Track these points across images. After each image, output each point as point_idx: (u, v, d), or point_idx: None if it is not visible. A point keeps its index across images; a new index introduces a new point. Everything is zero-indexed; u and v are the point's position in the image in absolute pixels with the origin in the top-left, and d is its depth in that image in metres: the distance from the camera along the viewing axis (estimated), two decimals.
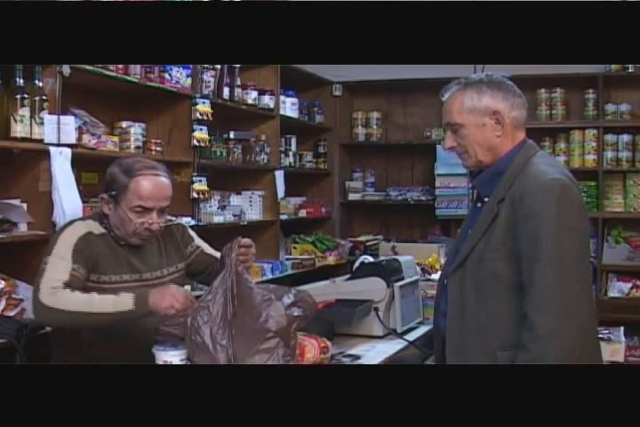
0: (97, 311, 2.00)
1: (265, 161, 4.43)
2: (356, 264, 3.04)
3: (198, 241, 2.52)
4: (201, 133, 3.56)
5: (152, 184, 2.18)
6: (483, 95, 1.94)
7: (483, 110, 1.94)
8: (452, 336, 1.95)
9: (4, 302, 2.44)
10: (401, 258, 3.05)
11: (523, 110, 1.98)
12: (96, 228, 2.23)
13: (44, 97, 2.59)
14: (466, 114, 1.95)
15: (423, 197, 5.46)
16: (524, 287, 1.81)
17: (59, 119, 2.63)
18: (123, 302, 2.02)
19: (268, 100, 4.41)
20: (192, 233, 2.52)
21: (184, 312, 2.01)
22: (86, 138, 2.88)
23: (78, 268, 2.11)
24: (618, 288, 4.94)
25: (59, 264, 2.09)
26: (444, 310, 2.00)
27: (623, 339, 3.17)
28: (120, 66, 3.00)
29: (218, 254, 2.46)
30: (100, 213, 2.27)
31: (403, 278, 2.89)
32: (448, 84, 2.02)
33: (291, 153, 5.01)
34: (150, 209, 2.18)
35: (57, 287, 2.04)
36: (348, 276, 2.99)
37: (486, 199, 1.97)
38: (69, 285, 2.06)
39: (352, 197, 5.67)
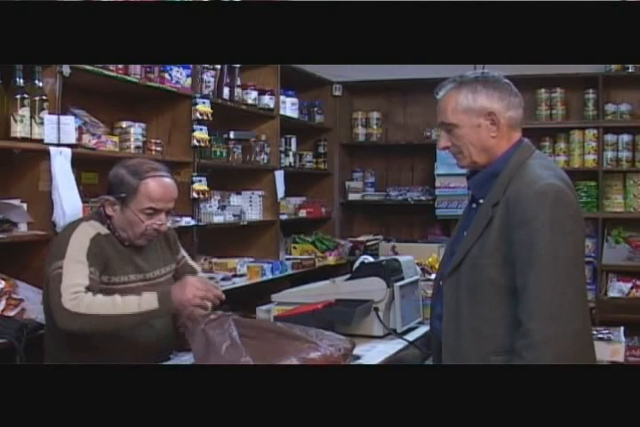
0: (122, 313, 2.00)
1: (265, 161, 4.43)
2: (356, 264, 3.04)
3: (183, 251, 2.57)
4: (201, 133, 3.56)
5: (161, 186, 2.21)
6: (478, 95, 1.90)
7: (478, 111, 1.90)
8: (448, 339, 1.94)
9: (4, 302, 2.44)
10: (401, 258, 3.05)
11: (519, 110, 1.95)
12: (101, 228, 2.24)
13: (44, 97, 2.59)
14: (460, 114, 1.91)
15: (423, 197, 5.46)
16: (518, 293, 1.79)
17: (59, 119, 2.63)
18: (147, 301, 2.03)
19: (268, 100, 4.41)
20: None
21: (209, 299, 2.05)
22: (86, 138, 2.88)
23: (95, 271, 2.12)
24: (618, 288, 4.93)
25: (76, 268, 2.08)
26: (439, 313, 1.99)
27: (623, 339, 3.16)
28: (120, 66, 3.00)
29: (197, 267, 2.59)
30: (101, 214, 2.27)
31: (403, 278, 2.89)
32: (443, 82, 1.99)
33: (291, 153, 5.01)
34: (160, 210, 2.20)
35: (79, 292, 2.02)
36: (348, 276, 2.99)
37: (481, 201, 1.94)
38: (90, 289, 2.05)
39: (352, 197, 5.67)
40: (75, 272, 2.07)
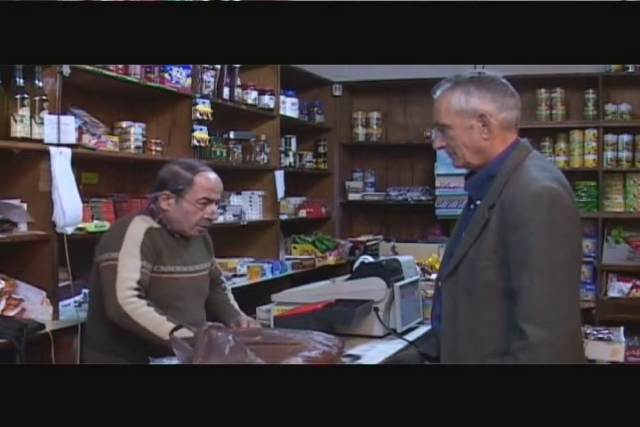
0: (160, 336, 2.18)
1: (265, 161, 4.43)
2: (356, 264, 3.04)
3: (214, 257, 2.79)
4: (201, 133, 3.56)
5: (213, 179, 2.51)
6: (470, 96, 1.88)
7: (470, 112, 1.88)
8: (446, 340, 1.93)
9: (4, 302, 2.45)
10: (401, 258, 3.05)
11: (514, 111, 1.92)
12: (152, 223, 2.45)
13: (44, 97, 2.59)
14: (453, 115, 1.90)
15: (423, 197, 5.46)
16: (514, 295, 1.78)
17: (59, 119, 2.63)
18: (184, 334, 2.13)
19: (268, 100, 4.41)
20: None
21: None
22: (86, 138, 2.89)
23: (146, 264, 2.35)
24: (618, 288, 4.93)
25: (130, 262, 2.32)
26: (438, 313, 1.99)
27: (623, 339, 3.16)
28: (120, 66, 3.00)
29: (221, 270, 2.87)
30: (153, 209, 2.47)
31: (403, 278, 2.89)
32: (440, 82, 1.97)
33: (291, 153, 5.01)
34: (212, 201, 2.48)
35: (134, 289, 2.27)
36: (348, 276, 2.99)
37: (478, 202, 1.93)
38: (141, 283, 2.30)
39: (352, 197, 5.67)
40: (129, 266, 2.30)
